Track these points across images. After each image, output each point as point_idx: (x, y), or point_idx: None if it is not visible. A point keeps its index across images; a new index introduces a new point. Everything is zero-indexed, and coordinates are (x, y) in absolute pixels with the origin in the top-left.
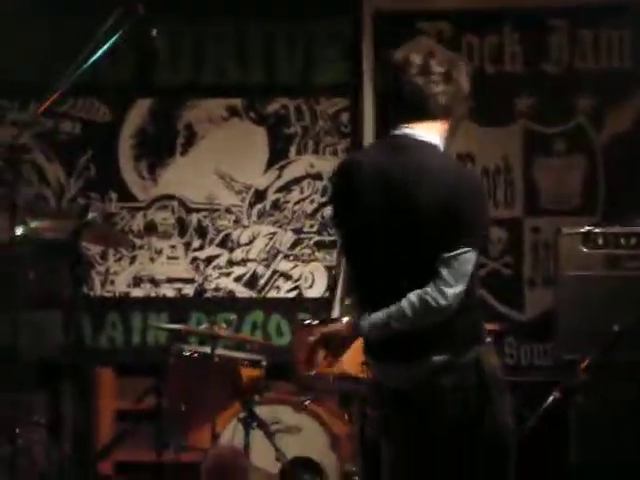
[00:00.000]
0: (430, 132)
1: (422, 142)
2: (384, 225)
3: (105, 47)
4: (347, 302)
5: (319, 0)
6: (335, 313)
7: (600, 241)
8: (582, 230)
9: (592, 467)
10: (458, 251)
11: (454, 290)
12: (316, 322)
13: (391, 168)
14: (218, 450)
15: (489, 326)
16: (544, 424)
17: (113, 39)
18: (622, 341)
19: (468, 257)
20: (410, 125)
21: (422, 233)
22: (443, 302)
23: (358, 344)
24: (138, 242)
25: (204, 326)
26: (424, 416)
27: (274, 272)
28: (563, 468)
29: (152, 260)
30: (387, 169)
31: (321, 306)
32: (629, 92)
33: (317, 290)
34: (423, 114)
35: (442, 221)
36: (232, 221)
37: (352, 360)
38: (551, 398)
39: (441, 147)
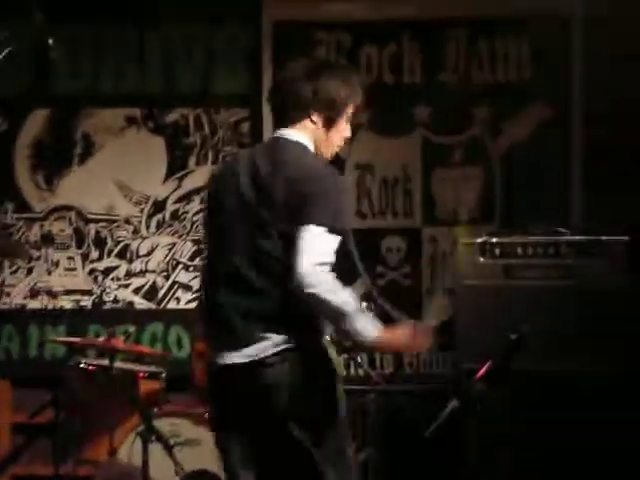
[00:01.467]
0: (299, 133)
1: (290, 141)
2: (246, 216)
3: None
4: None
5: (219, 9)
6: None
7: (497, 251)
8: (479, 240)
9: (490, 477)
10: (309, 226)
11: (306, 259)
12: None
13: (257, 163)
14: (108, 467)
15: None
16: (443, 433)
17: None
18: (520, 350)
19: (324, 237)
20: (283, 128)
21: (278, 222)
22: (298, 270)
23: None
24: (35, 253)
25: (102, 338)
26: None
27: (174, 283)
28: (461, 477)
29: (49, 272)
30: (255, 164)
31: None
32: (525, 102)
33: None
34: (286, 115)
35: (291, 208)
36: (131, 232)
37: None
38: (450, 407)
39: (310, 147)
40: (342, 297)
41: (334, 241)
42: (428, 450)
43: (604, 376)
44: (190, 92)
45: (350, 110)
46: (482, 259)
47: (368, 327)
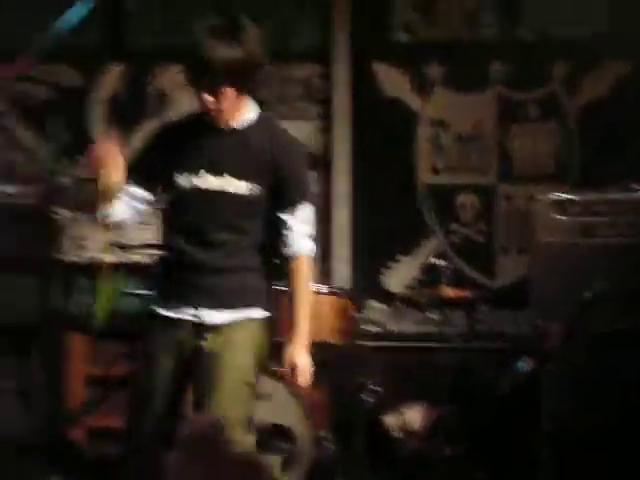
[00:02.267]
0: None
1: None
2: None
3: (76, 11)
4: None
5: None
6: None
7: (573, 208)
8: (555, 197)
9: (564, 435)
10: None
11: None
12: None
13: None
14: (196, 420)
15: (462, 292)
16: (516, 392)
17: (84, 3)
18: (595, 309)
19: None
20: None
21: None
22: None
23: (329, 310)
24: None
25: None
26: None
27: None
28: (535, 436)
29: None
30: None
31: None
32: (604, 57)
33: None
34: None
35: None
36: None
37: (325, 327)
38: (523, 365)
39: None
40: None
41: None
42: (502, 408)
43: None
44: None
45: None
46: (558, 216)
47: None
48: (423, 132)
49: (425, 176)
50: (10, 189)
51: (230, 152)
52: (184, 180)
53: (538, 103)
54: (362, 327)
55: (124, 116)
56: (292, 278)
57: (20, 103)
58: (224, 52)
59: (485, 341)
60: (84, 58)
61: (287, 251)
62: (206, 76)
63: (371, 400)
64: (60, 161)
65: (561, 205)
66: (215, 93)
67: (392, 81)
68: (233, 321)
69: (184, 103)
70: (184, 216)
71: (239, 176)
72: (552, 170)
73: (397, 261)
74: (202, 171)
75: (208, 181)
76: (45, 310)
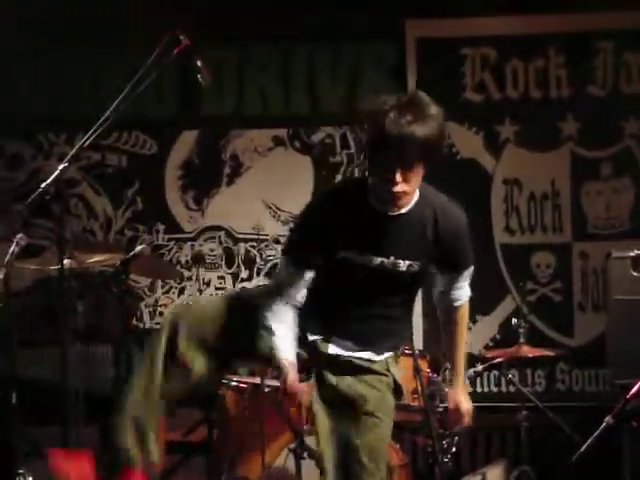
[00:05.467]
0: None
1: None
2: None
3: (150, 79)
4: None
5: (363, 27)
6: None
7: None
8: (632, 254)
9: None
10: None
11: None
12: None
13: None
14: (270, 475)
15: (540, 352)
16: (597, 450)
17: (157, 71)
18: None
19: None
20: None
21: None
22: None
23: (408, 372)
24: (186, 273)
25: None
26: None
27: None
28: None
29: (200, 291)
30: None
31: None
32: None
33: None
34: None
35: None
36: (279, 251)
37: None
38: (604, 424)
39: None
40: None
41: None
42: (583, 468)
43: None
44: (336, 110)
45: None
46: (635, 273)
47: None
48: (497, 192)
49: (500, 236)
50: (88, 257)
51: (397, 235)
52: (346, 255)
53: (611, 160)
54: (440, 388)
55: (199, 182)
56: (454, 324)
57: (96, 172)
58: (422, 130)
59: (565, 400)
60: (159, 125)
61: (453, 305)
62: (401, 155)
63: (451, 462)
64: (137, 228)
65: (637, 261)
66: (409, 173)
67: (465, 141)
68: None
69: (257, 168)
70: (339, 286)
71: (404, 257)
72: (627, 226)
73: (475, 322)
74: (369, 253)
75: (373, 261)
76: (124, 378)
